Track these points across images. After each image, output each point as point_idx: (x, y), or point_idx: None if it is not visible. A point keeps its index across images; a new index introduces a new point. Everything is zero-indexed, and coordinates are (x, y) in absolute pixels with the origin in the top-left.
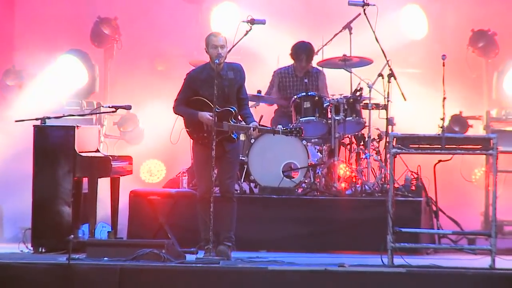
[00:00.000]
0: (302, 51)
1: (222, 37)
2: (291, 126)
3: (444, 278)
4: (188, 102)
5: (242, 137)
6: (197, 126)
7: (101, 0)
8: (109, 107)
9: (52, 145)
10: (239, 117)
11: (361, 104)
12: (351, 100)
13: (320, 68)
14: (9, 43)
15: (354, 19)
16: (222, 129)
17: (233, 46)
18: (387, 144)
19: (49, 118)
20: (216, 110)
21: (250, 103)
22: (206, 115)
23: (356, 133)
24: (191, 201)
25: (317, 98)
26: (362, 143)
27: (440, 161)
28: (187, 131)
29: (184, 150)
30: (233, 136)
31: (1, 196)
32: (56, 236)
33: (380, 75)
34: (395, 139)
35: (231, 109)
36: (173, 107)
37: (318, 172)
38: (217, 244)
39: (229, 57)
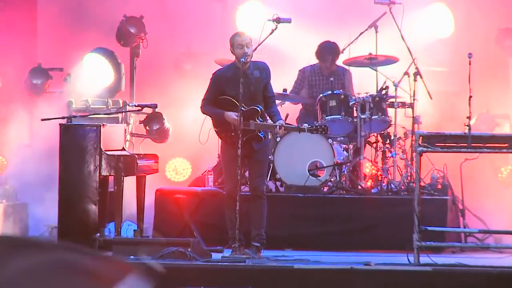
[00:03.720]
0: (328, 51)
1: (246, 36)
2: (317, 124)
3: (470, 277)
4: (215, 102)
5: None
6: (225, 125)
7: None
8: (135, 105)
9: (78, 143)
10: (266, 115)
11: (387, 102)
12: (377, 98)
13: (347, 67)
14: (34, 41)
15: (380, 17)
16: (249, 128)
17: (258, 45)
18: (413, 142)
19: (75, 116)
20: (242, 109)
21: (276, 102)
22: (232, 115)
23: (382, 132)
24: (217, 200)
25: (342, 96)
26: (388, 141)
27: (466, 159)
28: (215, 130)
29: (210, 148)
30: (259, 135)
31: (28, 195)
32: (82, 234)
33: (406, 73)
34: (421, 137)
35: (257, 108)
36: (201, 107)
37: (344, 171)
38: (245, 242)
39: (255, 56)
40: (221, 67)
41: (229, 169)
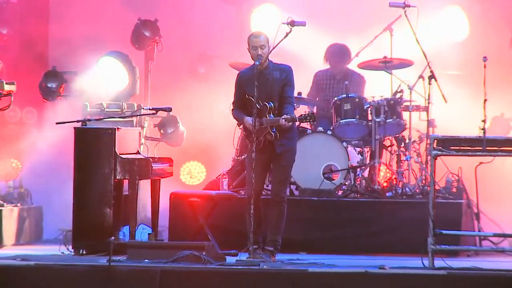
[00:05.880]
0: (334, 52)
1: (262, 37)
2: (305, 114)
3: (485, 280)
4: (241, 103)
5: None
6: (248, 129)
7: (142, 2)
8: (149, 109)
9: (92, 147)
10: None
11: (401, 106)
12: (392, 102)
13: (362, 74)
14: (46, 45)
15: (395, 20)
16: (262, 125)
17: (273, 48)
18: (427, 146)
19: (89, 120)
20: (257, 107)
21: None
22: (248, 120)
23: (397, 135)
24: (231, 203)
25: (357, 100)
26: (402, 145)
27: (481, 163)
28: (244, 134)
29: (224, 152)
30: (271, 131)
31: (42, 198)
32: (97, 238)
33: (421, 77)
34: (436, 141)
35: (268, 104)
36: (231, 111)
37: (359, 174)
38: (262, 246)
39: (270, 59)
40: (244, 68)
41: (249, 173)
